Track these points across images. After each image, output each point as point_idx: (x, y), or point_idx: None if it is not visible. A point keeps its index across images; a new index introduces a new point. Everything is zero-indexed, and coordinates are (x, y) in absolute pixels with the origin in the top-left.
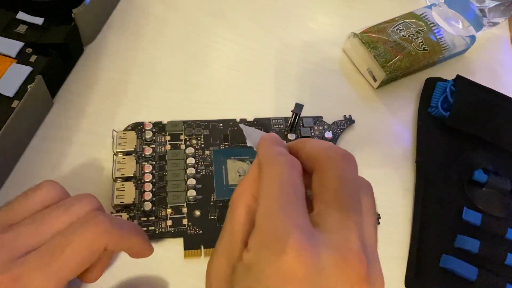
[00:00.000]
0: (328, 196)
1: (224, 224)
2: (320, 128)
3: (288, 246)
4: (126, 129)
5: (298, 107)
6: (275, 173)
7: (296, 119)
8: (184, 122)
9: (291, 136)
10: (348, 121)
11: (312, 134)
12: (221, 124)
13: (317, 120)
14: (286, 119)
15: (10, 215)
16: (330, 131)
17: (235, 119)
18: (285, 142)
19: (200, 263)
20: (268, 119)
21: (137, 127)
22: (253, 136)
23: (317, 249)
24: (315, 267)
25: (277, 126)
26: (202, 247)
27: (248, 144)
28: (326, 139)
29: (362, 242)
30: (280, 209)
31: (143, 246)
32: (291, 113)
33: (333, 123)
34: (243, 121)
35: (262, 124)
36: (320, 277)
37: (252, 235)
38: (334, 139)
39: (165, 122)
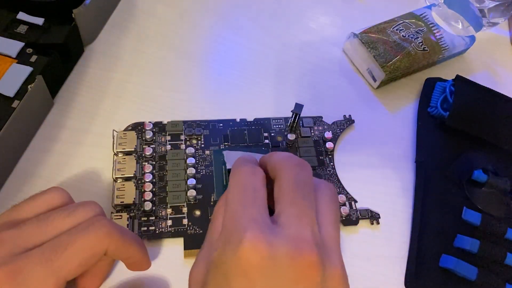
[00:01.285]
0: (285, 197)
1: (206, 236)
2: (320, 128)
3: (245, 238)
4: (126, 129)
5: (298, 107)
6: (237, 180)
7: (296, 119)
8: (184, 122)
9: (291, 136)
10: (348, 121)
11: (312, 134)
12: (221, 124)
13: (317, 120)
14: (286, 119)
15: (16, 215)
16: (330, 131)
17: (235, 119)
18: (257, 158)
19: None
20: (268, 119)
21: (137, 127)
22: (232, 160)
23: (272, 240)
24: (269, 255)
25: (277, 126)
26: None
27: (227, 166)
28: (326, 139)
29: (315, 234)
30: (240, 209)
31: (142, 257)
32: (291, 113)
33: (333, 123)
34: (243, 121)
35: (262, 124)
36: (274, 264)
37: (219, 235)
38: (334, 139)
39: (165, 122)
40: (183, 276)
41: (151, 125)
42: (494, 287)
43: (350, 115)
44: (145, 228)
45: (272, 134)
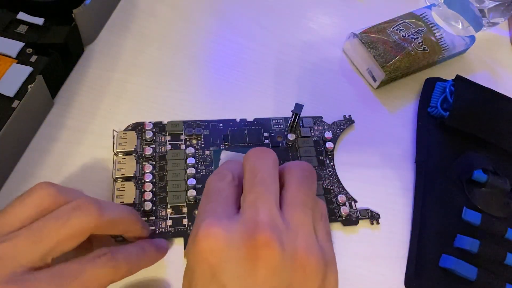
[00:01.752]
0: (245, 186)
1: None
2: (320, 128)
3: (201, 227)
4: (126, 129)
5: (298, 107)
6: (206, 188)
7: (296, 119)
8: (184, 122)
9: (291, 136)
10: (348, 121)
11: (312, 134)
12: (221, 124)
13: (317, 120)
14: (286, 119)
15: (4, 223)
16: (330, 131)
17: (235, 119)
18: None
19: None
20: (268, 119)
21: (138, 127)
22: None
23: (227, 225)
24: (224, 239)
25: (277, 126)
26: None
27: None
28: (326, 139)
29: (273, 216)
30: (202, 207)
31: (136, 228)
32: (291, 113)
33: (333, 123)
34: (243, 121)
35: (262, 124)
36: (230, 248)
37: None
38: (333, 139)
39: (165, 122)
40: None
41: (151, 125)
42: (494, 287)
43: (350, 115)
44: None
45: (272, 134)
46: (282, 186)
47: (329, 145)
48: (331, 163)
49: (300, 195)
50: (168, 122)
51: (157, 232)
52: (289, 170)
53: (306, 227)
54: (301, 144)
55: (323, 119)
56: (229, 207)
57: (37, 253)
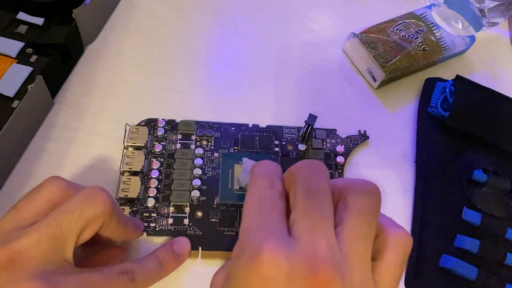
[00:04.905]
0: (297, 206)
1: None
2: (333, 141)
3: (262, 251)
4: (139, 124)
5: (312, 118)
6: (254, 192)
7: (309, 130)
8: (197, 122)
9: (301, 147)
10: (362, 137)
11: (324, 146)
12: (233, 128)
13: (330, 132)
14: (298, 128)
15: (17, 219)
16: (343, 145)
17: (247, 124)
18: (279, 166)
19: (197, 263)
20: (281, 127)
21: (150, 123)
22: (249, 167)
23: (288, 254)
24: (286, 271)
25: (289, 135)
26: (200, 248)
27: (244, 174)
28: (337, 152)
29: (332, 248)
30: (257, 221)
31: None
32: (304, 123)
33: (347, 137)
34: (256, 126)
35: (274, 131)
36: (291, 281)
37: (234, 247)
38: (345, 154)
39: (178, 120)
40: (180, 276)
41: (164, 122)
42: (494, 287)
43: (365, 131)
44: (146, 224)
45: (283, 143)
46: (337, 203)
47: (339, 159)
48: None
49: (363, 226)
50: (180, 121)
51: (158, 229)
52: (351, 191)
53: (364, 262)
54: (312, 155)
55: (336, 133)
56: (283, 225)
57: (61, 249)
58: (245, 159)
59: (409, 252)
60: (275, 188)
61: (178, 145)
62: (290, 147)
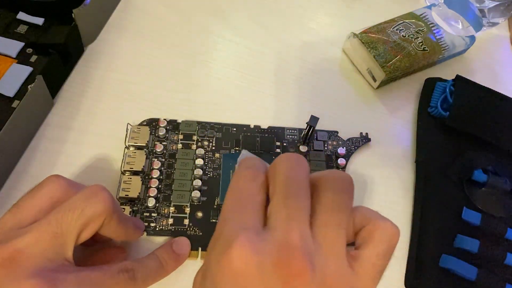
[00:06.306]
0: (274, 197)
1: None
2: (334, 143)
3: (233, 245)
4: (141, 124)
5: (313, 119)
6: (235, 185)
7: (310, 132)
8: (199, 123)
9: (303, 148)
10: (364, 139)
11: (325, 148)
12: (234, 129)
13: (332, 134)
14: (300, 130)
15: (18, 217)
16: (344, 148)
17: (249, 125)
18: (267, 164)
19: (197, 264)
20: (282, 128)
21: (152, 123)
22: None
23: (259, 247)
24: (256, 264)
25: (290, 136)
26: (200, 249)
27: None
28: (339, 155)
29: (305, 238)
30: (231, 215)
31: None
32: (306, 125)
33: (348, 139)
34: (257, 127)
35: (275, 133)
36: (262, 273)
37: (212, 236)
38: (347, 156)
39: (179, 121)
40: (179, 276)
41: (166, 122)
42: (494, 287)
43: (367, 133)
44: (146, 224)
45: (285, 144)
46: (312, 195)
47: (341, 161)
48: None
49: (335, 214)
50: (182, 121)
51: (158, 229)
52: (325, 181)
53: (338, 249)
54: (313, 157)
55: (338, 134)
56: (260, 218)
57: (61, 247)
58: (244, 151)
59: (395, 245)
60: (256, 181)
61: (180, 145)
62: (291, 149)
